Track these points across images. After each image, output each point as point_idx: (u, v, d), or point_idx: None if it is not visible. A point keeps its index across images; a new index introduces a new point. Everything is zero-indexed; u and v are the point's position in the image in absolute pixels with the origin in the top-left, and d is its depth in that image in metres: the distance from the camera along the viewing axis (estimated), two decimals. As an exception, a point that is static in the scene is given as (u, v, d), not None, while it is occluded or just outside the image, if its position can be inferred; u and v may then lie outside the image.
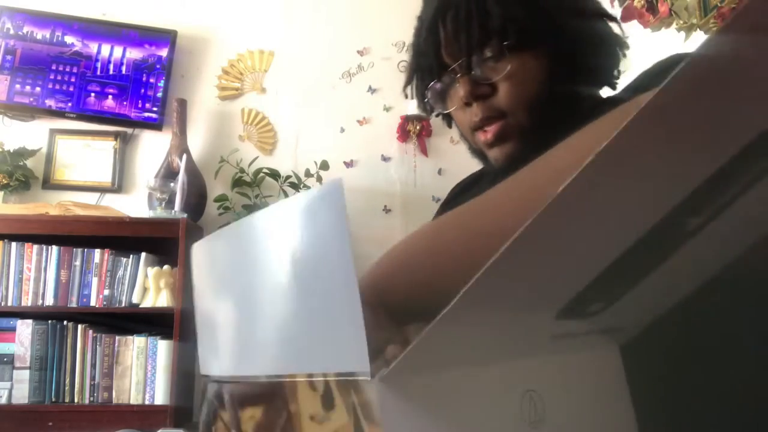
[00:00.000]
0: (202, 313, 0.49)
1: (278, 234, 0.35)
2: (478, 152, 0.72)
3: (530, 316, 0.27)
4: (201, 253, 0.48)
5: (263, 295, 0.41)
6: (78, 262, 1.93)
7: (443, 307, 0.22)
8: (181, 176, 2.03)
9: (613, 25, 0.69)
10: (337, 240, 0.27)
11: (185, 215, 1.98)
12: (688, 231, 0.26)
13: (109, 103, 2.23)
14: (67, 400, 1.84)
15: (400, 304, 0.40)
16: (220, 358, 0.45)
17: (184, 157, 2.10)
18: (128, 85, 2.25)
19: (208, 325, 0.49)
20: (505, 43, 0.63)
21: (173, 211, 2.00)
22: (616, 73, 0.70)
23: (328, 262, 0.28)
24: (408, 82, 0.76)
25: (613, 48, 0.69)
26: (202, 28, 2.39)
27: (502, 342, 0.27)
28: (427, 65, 0.69)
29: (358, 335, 0.24)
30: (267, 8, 2.43)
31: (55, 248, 1.93)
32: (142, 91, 2.25)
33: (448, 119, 0.76)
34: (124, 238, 1.92)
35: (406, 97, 0.82)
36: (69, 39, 2.24)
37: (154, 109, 2.25)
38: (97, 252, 1.94)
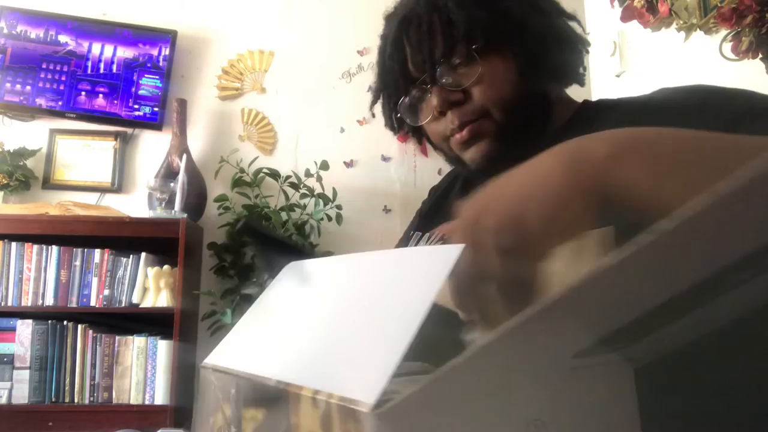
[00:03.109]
0: (259, 311, 0.49)
1: (374, 261, 0.36)
2: (454, 158, 0.72)
3: (546, 356, 0.27)
4: (294, 272, 0.49)
5: (325, 301, 0.41)
6: (78, 262, 1.93)
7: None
8: (181, 176, 2.03)
9: (574, 24, 0.70)
10: (425, 288, 0.28)
11: (185, 215, 1.98)
12: (729, 285, 0.26)
13: (100, 101, 2.22)
14: (67, 400, 1.84)
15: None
16: (241, 352, 0.44)
17: (184, 157, 2.10)
18: (119, 84, 2.24)
19: (254, 321, 0.49)
20: (473, 46, 0.63)
21: (173, 211, 2.00)
22: (581, 70, 0.71)
23: (404, 299, 0.29)
24: (374, 102, 0.76)
25: (575, 45, 0.69)
26: (202, 28, 2.39)
27: (512, 376, 0.27)
28: (394, 81, 0.70)
29: (385, 368, 0.23)
30: (267, 8, 2.43)
31: (55, 248, 1.93)
32: (133, 90, 2.24)
33: (419, 135, 0.76)
34: (124, 238, 1.92)
35: (373, 116, 0.82)
36: (63, 38, 2.23)
37: (136, 105, 2.23)
38: (97, 252, 1.94)
